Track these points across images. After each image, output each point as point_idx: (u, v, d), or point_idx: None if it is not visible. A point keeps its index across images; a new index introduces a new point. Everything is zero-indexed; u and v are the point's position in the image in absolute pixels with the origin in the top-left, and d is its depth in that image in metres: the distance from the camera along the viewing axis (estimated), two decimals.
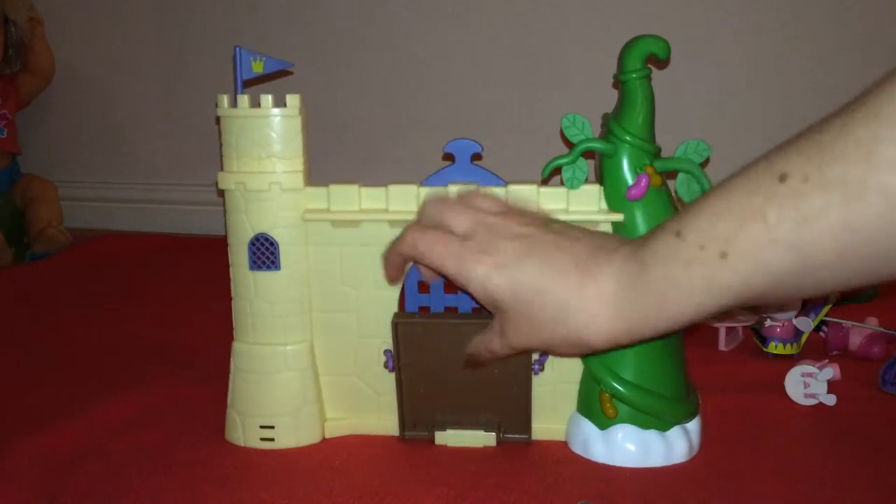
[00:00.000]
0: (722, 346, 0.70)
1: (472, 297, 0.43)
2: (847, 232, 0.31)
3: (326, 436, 0.53)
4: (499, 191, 0.49)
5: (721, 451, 0.51)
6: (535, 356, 0.51)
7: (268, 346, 0.52)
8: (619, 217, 0.49)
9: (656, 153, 0.50)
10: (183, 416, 0.57)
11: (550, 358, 0.51)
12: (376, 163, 1.19)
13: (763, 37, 1.05)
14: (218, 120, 0.51)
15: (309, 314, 0.52)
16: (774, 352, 0.67)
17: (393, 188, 0.50)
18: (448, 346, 0.49)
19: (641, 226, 0.49)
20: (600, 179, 0.51)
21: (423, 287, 0.52)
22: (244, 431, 0.52)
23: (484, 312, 0.51)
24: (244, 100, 0.49)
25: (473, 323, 0.49)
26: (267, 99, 0.49)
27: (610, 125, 0.50)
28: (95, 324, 0.81)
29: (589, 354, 0.48)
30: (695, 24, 1.06)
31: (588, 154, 0.50)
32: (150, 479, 0.48)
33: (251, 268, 0.51)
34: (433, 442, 0.52)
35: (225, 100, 0.50)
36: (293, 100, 0.50)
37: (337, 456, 0.51)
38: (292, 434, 0.52)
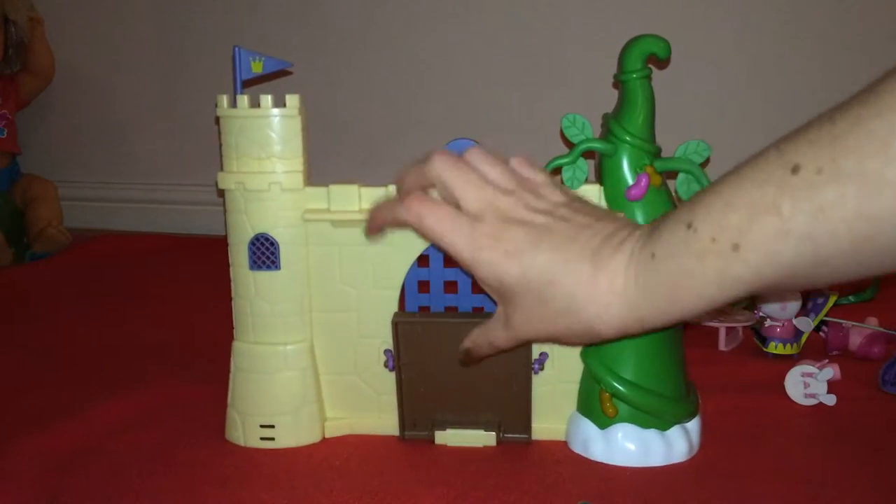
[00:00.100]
0: (722, 346, 0.70)
1: (476, 281, 0.43)
2: (863, 222, 0.30)
3: (326, 435, 0.53)
4: None
5: (721, 451, 0.51)
6: (535, 356, 0.51)
7: (268, 346, 0.52)
8: None
9: (656, 153, 0.50)
10: (183, 416, 0.57)
11: (550, 358, 0.51)
12: (376, 163, 1.19)
13: (763, 37, 1.05)
14: (217, 120, 0.51)
15: (309, 314, 0.52)
16: (774, 352, 0.67)
17: (393, 188, 0.50)
18: (448, 345, 0.49)
19: None
20: (600, 179, 0.51)
21: (423, 287, 0.52)
22: (244, 431, 0.52)
23: (484, 312, 0.51)
24: (244, 100, 0.49)
25: (473, 323, 0.48)
26: (266, 99, 0.49)
27: (610, 125, 0.50)
28: (95, 324, 0.81)
29: (595, 344, 0.48)
30: (695, 24, 1.06)
31: (588, 154, 0.50)
32: (150, 479, 0.48)
33: (251, 268, 0.51)
34: (433, 442, 0.52)
35: (224, 100, 0.50)
36: (293, 100, 0.50)
37: (337, 456, 0.51)
38: (292, 434, 0.52)
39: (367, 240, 0.50)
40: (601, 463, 0.49)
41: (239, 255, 0.51)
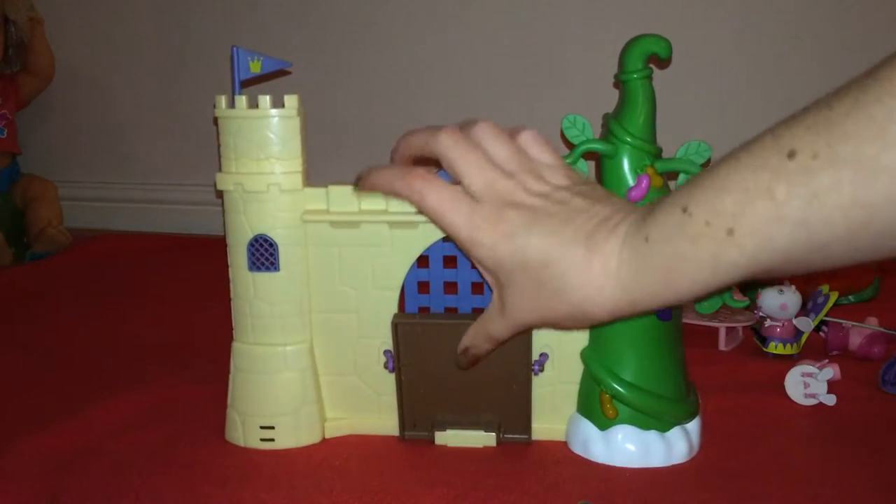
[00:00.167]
0: (722, 346, 0.70)
1: (473, 265, 0.44)
2: (858, 209, 0.30)
3: (326, 436, 0.53)
4: None
5: (721, 451, 0.51)
6: (535, 357, 0.51)
7: (267, 347, 0.52)
8: None
9: (657, 154, 0.50)
10: (183, 416, 0.57)
11: (550, 359, 0.51)
12: (376, 163, 1.18)
13: (764, 37, 1.05)
14: (216, 120, 0.50)
15: (308, 315, 0.52)
16: (774, 352, 0.67)
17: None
18: (448, 346, 0.49)
19: None
20: (601, 180, 0.51)
21: (422, 288, 0.52)
22: (244, 431, 0.52)
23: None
24: (242, 100, 0.49)
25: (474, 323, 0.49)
26: (265, 99, 0.49)
27: (610, 126, 0.50)
28: (95, 324, 0.81)
29: (590, 327, 0.48)
30: (696, 24, 1.06)
31: (589, 155, 0.50)
32: (150, 479, 0.48)
33: (250, 269, 0.51)
34: (433, 442, 0.52)
35: (223, 100, 0.50)
36: (291, 100, 0.50)
37: (337, 456, 0.51)
38: (292, 434, 0.52)
39: (354, 191, 0.49)
40: (601, 464, 0.49)
41: (238, 256, 0.51)
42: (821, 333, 0.69)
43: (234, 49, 0.50)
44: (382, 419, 0.53)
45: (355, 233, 0.50)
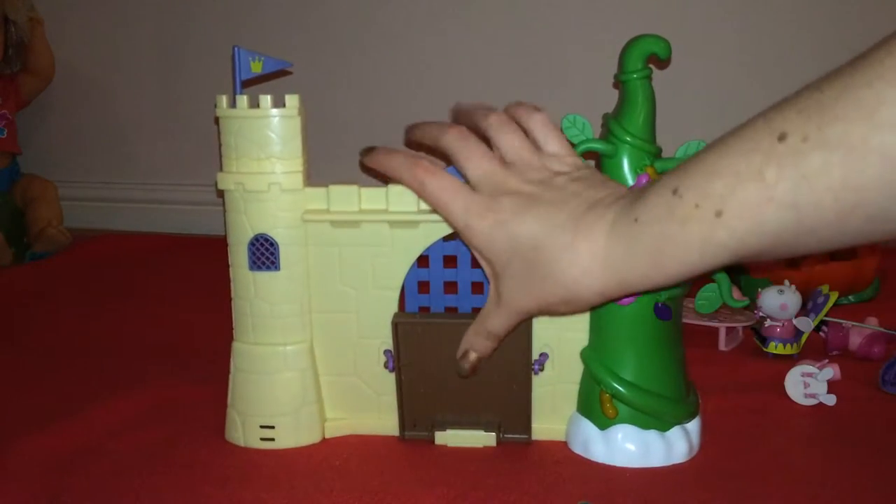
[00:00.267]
0: (722, 346, 0.70)
1: (473, 254, 0.45)
2: (847, 191, 0.30)
3: (326, 436, 0.53)
4: None
5: (721, 451, 0.51)
6: (535, 356, 0.51)
7: (268, 347, 0.52)
8: None
9: (657, 153, 0.50)
10: (183, 416, 0.57)
11: (550, 358, 0.51)
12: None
13: (764, 37, 1.05)
14: (217, 120, 0.50)
15: (309, 314, 0.52)
16: (774, 352, 0.67)
17: (393, 189, 0.50)
18: (448, 346, 0.49)
19: None
20: None
21: (423, 287, 0.52)
22: (244, 431, 0.52)
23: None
24: (243, 100, 0.49)
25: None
26: (266, 99, 0.49)
27: (610, 125, 0.50)
28: (95, 324, 0.81)
29: (585, 310, 0.48)
30: (696, 24, 1.06)
31: (589, 155, 0.50)
32: (150, 479, 0.48)
33: (251, 268, 0.51)
34: (433, 442, 0.52)
35: (224, 100, 0.50)
36: (292, 100, 0.50)
37: (337, 456, 0.51)
38: (292, 434, 0.52)
39: (361, 155, 0.50)
40: (601, 463, 0.49)
41: (238, 256, 0.51)
42: (821, 333, 0.69)
43: (236, 49, 0.50)
44: (382, 419, 0.53)
45: (356, 232, 0.50)
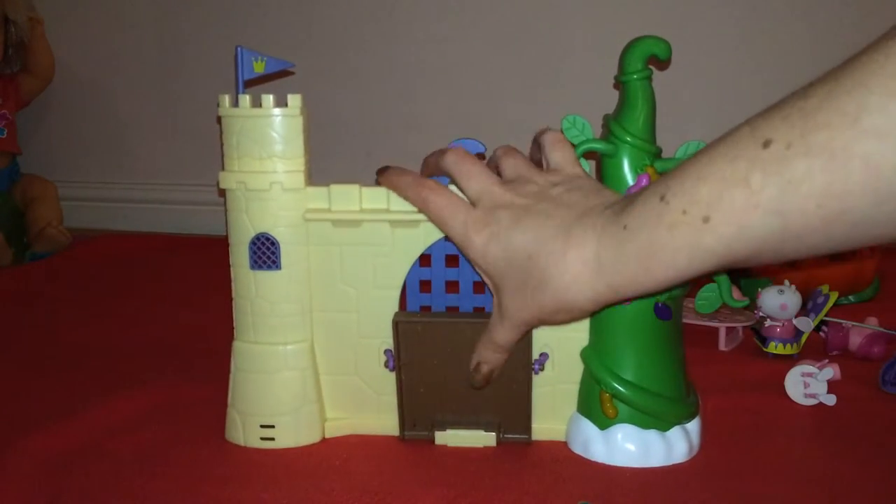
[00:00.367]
0: (722, 346, 0.70)
1: (474, 269, 0.46)
2: (830, 198, 0.31)
3: (326, 436, 0.53)
4: None
5: (721, 451, 0.51)
6: (536, 356, 0.51)
7: (268, 346, 0.52)
8: None
9: (657, 154, 0.50)
10: (183, 416, 0.57)
11: (551, 358, 0.51)
12: (377, 163, 1.18)
13: (764, 37, 1.05)
14: (219, 120, 0.51)
15: (309, 314, 0.52)
16: (774, 352, 0.67)
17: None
18: (449, 345, 0.49)
19: None
20: (601, 180, 0.51)
21: (424, 286, 0.52)
22: (244, 431, 0.52)
23: (485, 312, 0.51)
24: (245, 100, 0.49)
25: (474, 322, 0.49)
26: (268, 99, 0.49)
27: (610, 126, 0.50)
28: (95, 323, 0.81)
29: (583, 317, 0.49)
30: (696, 25, 1.06)
31: (589, 155, 0.50)
32: (150, 480, 0.48)
33: (252, 267, 0.51)
34: (433, 442, 0.52)
35: (226, 99, 0.50)
36: (294, 100, 0.50)
37: (337, 456, 0.51)
38: (292, 434, 0.52)
39: (377, 174, 0.51)
40: (601, 463, 0.49)
41: (240, 255, 0.51)
42: (821, 333, 0.69)
43: (239, 49, 0.50)
44: (382, 419, 0.53)
45: (357, 232, 0.51)
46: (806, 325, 0.66)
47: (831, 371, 0.57)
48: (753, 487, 0.46)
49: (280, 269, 0.51)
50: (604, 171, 0.50)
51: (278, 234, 0.50)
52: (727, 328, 0.71)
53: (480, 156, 0.51)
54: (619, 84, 0.50)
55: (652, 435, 0.49)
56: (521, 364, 0.50)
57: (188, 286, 0.94)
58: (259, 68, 0.50)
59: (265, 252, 0.51)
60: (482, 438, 0.51)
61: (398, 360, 0.51)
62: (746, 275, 0.77)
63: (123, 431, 0.54)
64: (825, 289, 0.68)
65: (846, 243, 0.33)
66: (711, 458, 0.50)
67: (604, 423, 0.50)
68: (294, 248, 0.51)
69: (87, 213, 1.33)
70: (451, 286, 0.52)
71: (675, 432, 0.49)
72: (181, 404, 0.59)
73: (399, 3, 1.17)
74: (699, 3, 1.07)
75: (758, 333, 0.69)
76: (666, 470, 0.49)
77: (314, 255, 0.51)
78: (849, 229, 0.31)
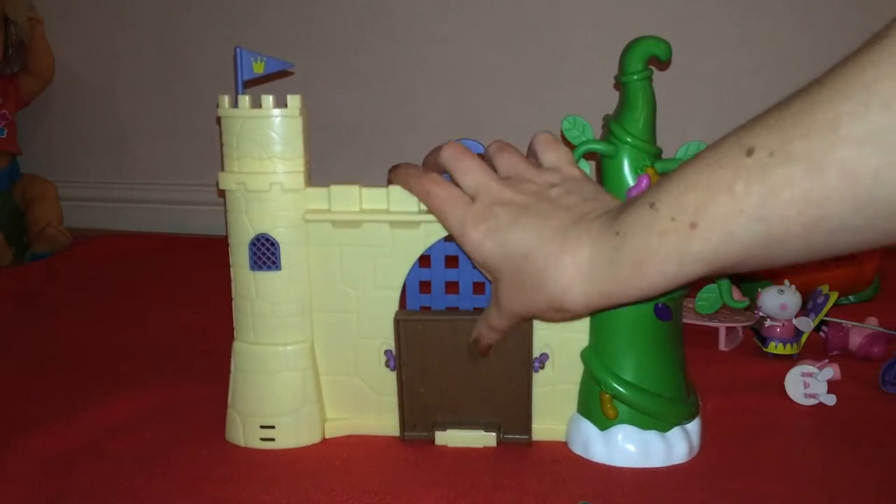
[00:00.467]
0: (722, 346, 0.70)
1: (472, 264, 0.46)
2: (809, 205, 0.32)
3: (326, 436, 0.53)
4: None
5: (721, 452, 0.51)
6: (536, 356, 0.51)
7: (268, 346, 0.52)
8: None
9: (657, 154, 0.50)
10: (183, 416, 0.57)
11: (550, 358, 0.51)
12: (377, 163, 1.18)
13: (764, 38, 1.05)
14: (219, 120, 0.51)
15: (309, 314, 0.52)
16: (774, 352, 0.67)
17: (394, 189, 0.50)
18: (450, 344, 0.49)
19: None
20: (601, 181, 0.51)
21: (424, 287, 0.52)
22: (244, 431, 0.52)
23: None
24: (245, 100, 0.49)
25: (475, 320, 0.49)
26: (268, 99, 0.49)
27: (611, 126, 0.50)
28: (95, 324, 0.81)
29: (577, 318, 0.49)
30: (696, 25, 1.06)
31: (589, 155, 0.50)
32: (150, 480, 0.48)
33: (252, 268, 0.51)
34: (433, 442, 0.52)
35: (226, 100, 0.50)
36: (294, 100, 0.50)
37: (337, 456, 0.51)
38: (292, 434, 0.52)
39: (389, 172, 0.51)
40: (601, 464, 0.49)
41: (239, 256, 0.51)
42: (821, 333, 0.69)
43: (238, 50, 0.50)
44: (383, 419, 0.53)
45: (357, 232, 0.51)
46: (806, 325, 0.66)
47: (831, 371, 0.57)
48: (753, 487, 0.46)
49: (280, 269, 0.51)
50: (604, 171, 0.50)
51: (278, 234, 0.50)
52: (727, 328, 0.71)
53: (480, 156, 0.51)
54: (620, 84, 0.50)
55: (652, 435, 0.49)
56: (521, 364, 0.50)
57: (188, 286, 0.94)
58: (258, 69, 0.50)
59: (265, 253, 0.51)
60: (482, 438, 0.52)
61: (399, 359, 0.51)
62: (746, 275, 0.77)
63: (123, 431, 0.54)
64: (825, 289, 0.68)
65: (827, 250, 0.33)
66: (711, 459, 0.50)
67: (604, 423, 0.50)
68: (294, 248, 0.51)
69: (87, 213, 1.33)
70: (451, 287, 0.52)
71: (676, 433, 0.49)
72: (181, 404, 0.59)
73: (399, 3, 1.17)
74: (699, 3, 1.07)
75: (758, 333, 0.69)
76: (666, 470, 0.49)
77: (314, 256, 0.51)
78: (828, 236, 0.32)
